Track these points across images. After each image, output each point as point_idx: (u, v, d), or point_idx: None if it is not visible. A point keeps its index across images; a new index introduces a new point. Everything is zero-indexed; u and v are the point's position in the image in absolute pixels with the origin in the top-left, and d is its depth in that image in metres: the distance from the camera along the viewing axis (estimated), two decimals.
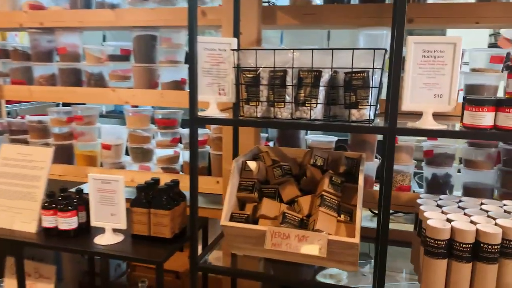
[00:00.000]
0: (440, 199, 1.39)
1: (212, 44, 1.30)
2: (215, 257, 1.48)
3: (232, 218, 1.33)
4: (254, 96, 1.26)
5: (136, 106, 2.18)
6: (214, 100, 1.33)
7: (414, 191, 1.82)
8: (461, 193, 1.71)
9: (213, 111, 1.32)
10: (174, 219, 1.54)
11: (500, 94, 1.63)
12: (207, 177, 1.91)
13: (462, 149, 1.69)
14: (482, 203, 1.36)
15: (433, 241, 1.15)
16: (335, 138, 1.81)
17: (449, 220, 1.19)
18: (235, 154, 1.64)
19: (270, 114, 1.26)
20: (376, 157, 1.75)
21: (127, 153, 2.12)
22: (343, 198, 1.30)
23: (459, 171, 1.70)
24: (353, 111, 1.19)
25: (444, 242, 1.14)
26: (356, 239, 1.17)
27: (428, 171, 1.70)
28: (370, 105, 1.17)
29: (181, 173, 2.04)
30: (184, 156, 2.00)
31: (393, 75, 1.09)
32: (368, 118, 1.20)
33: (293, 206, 1.35)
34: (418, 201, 1.36)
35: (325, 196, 1.27)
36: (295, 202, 1.34)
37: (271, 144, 2.03)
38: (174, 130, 1.98)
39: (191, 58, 1.23)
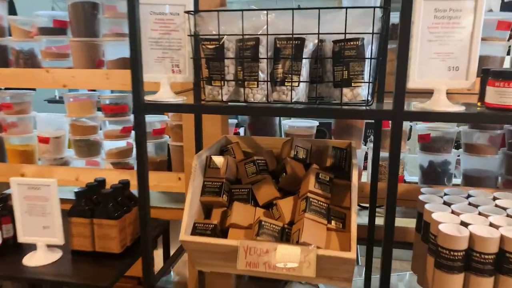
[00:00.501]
0: (445, 194, 1.18)
1: (160, 6, 1.00)
2: (180, 269, 1.22)
3: (195, 230, 1.06)
4: (217, 74, 0.98)
5: (80, 90, 1.85)
6: (166, 80, 1.04)
7: (405, 181, 1.60)
8: (460, 182, 1.51)
9: (165, 94, 1.03)
10: (125, 229, 1.26)
11: (507, 65, 1.42)
12: (167, 173, 1.63)
13: (462, 132, 1.48)
14: (494, 197, 1.15)
15: (447, 252, 0.93)
16: (315, 123, 1.56)
17: (464, 224, 0.97)
18: (199, 145, 1.37)
19: (240, 97, 0.98)
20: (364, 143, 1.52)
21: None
22: (333, 199, 1.06)
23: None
24: (345, 90, 0.93)
25: (461, 253, 0.92)
26: (352, 253, 0.93)
27: (423, 158, 1.49)
28: (369, 82, 0.92)
29: None
30: None
31: (401, 40, 0.83)
32: (364, 99, 0.94)
33: (271, 211, 1.09)
34: (421, 197, 1.13)
35: (311, 199, 1.02)
36: (274, 206, 1.09)
37: (241, 131, 1.76)
38: (124, 118, 1.67)
39: (131, 25, 0.93)
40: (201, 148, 1.37)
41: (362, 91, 0.93)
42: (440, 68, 0.90)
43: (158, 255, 1.47)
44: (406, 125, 1.49)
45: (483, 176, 1.43)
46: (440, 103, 0.90)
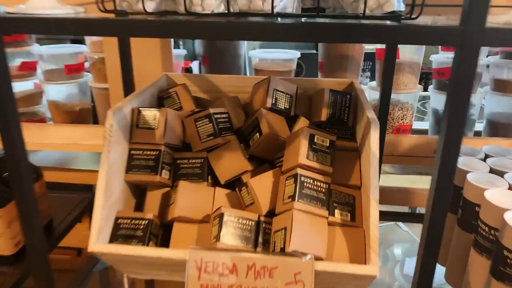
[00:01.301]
0: (486, 156, 0.83)
1: None
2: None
3: (116, 232, 0.67)
4: None
5: None
6: None
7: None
8: (482, 130, 1.18)
9: (43, 3, 0.57)
10: (16, 220, 0.85)
11: None
12: (91, 127, 1.19)
13: (491, 65, 1.12)
14: None
15: None
16: (297, 54, 1.15)
17: None
18: (128, 88, 0.94)
19: (178, 5, 0.55)
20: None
21: None
22: (335, 174, 0.68)
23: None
24: None
25: None
26: (373, 267, 0.58)
27: (439, 100, 1.13)
28: None
29: (51, 122, 1.29)
30: (49, 92, 1.22)
31: None
32: (396, 9, 0.54)
33: (240, 195, 0.71)
34: (470, 178, 0.76)
35: (302, 178, 0.64)
36: (243, 187, 0.70)
37: (195, 66, 1.32)
38: (21, 49, 1.18)
39: None
40: (132, 90, 0.93)
41: None
42: None
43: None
44: (418, 55, 1.10)
45: None
46: None
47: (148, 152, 0.72)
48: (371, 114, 0.66)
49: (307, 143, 0.66)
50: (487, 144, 1.07)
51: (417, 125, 1.24)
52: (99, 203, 0.64)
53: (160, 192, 0.74)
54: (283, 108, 0.78)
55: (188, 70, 1.34)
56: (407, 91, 1.08)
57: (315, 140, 0.67)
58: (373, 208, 0.60)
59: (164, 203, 0.73)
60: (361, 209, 0.67)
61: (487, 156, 0.84)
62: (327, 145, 0.68)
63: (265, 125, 0.74)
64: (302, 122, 0.78)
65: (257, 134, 0.75)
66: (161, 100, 0.86)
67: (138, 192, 0.77)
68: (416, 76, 1.10)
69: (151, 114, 0.72)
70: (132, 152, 0.72)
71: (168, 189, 0.74)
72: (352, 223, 0.66)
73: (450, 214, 0.79)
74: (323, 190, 0.65)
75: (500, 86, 1.10)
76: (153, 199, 0.73)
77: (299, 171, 0.64)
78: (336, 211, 0.66)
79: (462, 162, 0.79)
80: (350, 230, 0.65)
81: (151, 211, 0.72)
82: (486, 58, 1.09)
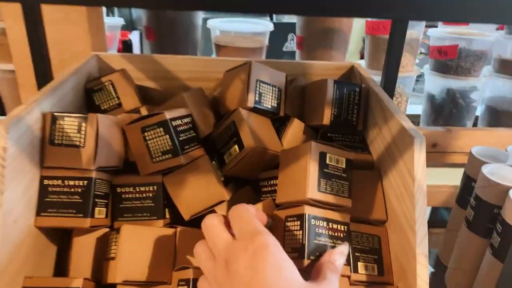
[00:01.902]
0: None
1: None
2: None
3: None
4: None
5: None
6: None
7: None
8: (480, 117, 1.03)
9: None
10: None
11: None
12: None
13: (494, 43, 0.96)
14: None
15: None
16: (269, 25, 0.92)
17: None
18: (42, 74, 0.67)
19: None
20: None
21: None
22: (355, 208, 0.48)
23: None
24: None
25: None
26: None
27: (437, 83, 0.96)
28: None
29: None
30: None
31: None
32: None
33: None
34: (487, 173, 0.61)
35: (313, 221, 0.43)
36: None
37: (134, 39, 1.04)
38: None
39: None
40: (48, 80, 0.67)
41: None
42: None
43: None
44: (415, 29, 0.92)
45: None
46: None
47: (72, 183, 0.47)
48: (408, 123, 0.46)
49: (317, 165, 0.45)
50: (489, 136, 0.93)
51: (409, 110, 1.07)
52: None
53: (92, 238, 0.50)
54: (269, 107, 0.56)
55: (126, 44, 1.06)
56: (403, 74, 0.90)
57: (327, 160, 0.46)
58: (421, 265, 0.41)
59: (101, 254, 0.49)
60: (389, 255, 0.48)
61: None
62: (344, 166, 0.47)
63: (247, 134, 0.51)
64: (296, 127, 0.57)
65: (236, 146, 0.52)
66: (89, 94, 0.60)
67: (59, 238, 0.52)
68: (414, 56, 0.92)
69: (73, 124, 0.47)
70: (46, 182, 0.47)
71: (105, 230, 0.51)
72: (381, 279, 0.47)
73: (481, 239, 0.63)
74: (341, 235, 0.44)
75: (506, 67, 0.95)
76: (83, 250, 0.49)
77: (307, 210, 0.43)
78: (360, 264, 0.46)
79: (491, 171, 0.62)
80: None
81: (80, 270, 0.49)
82: (494, 33, 0.93)
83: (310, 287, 0.34)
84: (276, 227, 0.45)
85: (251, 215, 0.37)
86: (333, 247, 0.43)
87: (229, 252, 0.35)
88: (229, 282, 0.33)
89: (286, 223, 0.44)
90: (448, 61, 0.92)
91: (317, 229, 0.43)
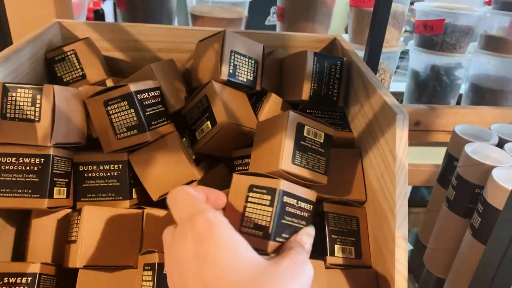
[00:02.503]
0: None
1: None
2: None
3: None
4: None
5: None
6: None
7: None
8: (463, 97, 1.02)
9: None
10: None
11: None
12: None
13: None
14: None
15: None
16: None
17: None
18: (3, 43, 0.62)
19: None
20: None
21: None
22: (327, 185, 0.45)
23: None
24: None
25: None
26: None
27: (421, 60, 0.94)
28: None
29: None
30: None
31: None
32: None
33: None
34: (496, 175, 0.59)
35: (285, 198, 0.40)
36: None
37: (107, 9, 0.98)
38: None
39: None
40: (7, 46, 0.62)
41: None
42: None
43: None
44: (403, 3, 0.89)
45: (505, 90, 0.95)
46: None
47: (27, 160, 0.43)
48: (391, 99, 0.43)
49: (293, 137, 0.42)
50: (473, 114, 0.91)
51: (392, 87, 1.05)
52: None
53: (53, 220, 0.47)
54: (245, 80, 0.52)
55: (97, 14, 1.00)
56: (388, 49, 0.87)
57: (305, 133, 0.43)
58: (400, 249, 0.39)
59: (62, 236, 0.46)
60: (368, 237, 0.46)
61: (501, 140, 0.66)
62: (322, 141, 0.44)
63: (220, 109, 0.48)
64: (274, 102, 0.54)
65: (208, 122, 0.49)
66: (51, 64, 0.56)
67: (17, 220, 0.49)
68: (399, 30, 0.89)
69: (27, 96, 0.43)
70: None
71: (67, 211, 0.48)
72: (358, 262, 0.45)
73: (462, 219, 0.61)
74: (306, 215, 0.41)
75: (491, 44, 0.93)
76: (42, 232, 0.46)
77: (283, 185, 0.40)
78: (337, 247, 0.44)
79: (474, 150, 0.61)
80: (357, 273, 0.44)
81: (39, 253, 0.46)
82: (482, 8, 0.90)
83: (275, 263, 0.30)
84: (235, 194, 0.41)
85: (187, 194, 0.32)
86: (298, 228, 0.40)
87: (173, 242, 0.30)
88: (179, 277, 0.29)
89: (250, 193, 0.40)
90: (434, 36, 0.89)
91: (287, 207, 0.40)
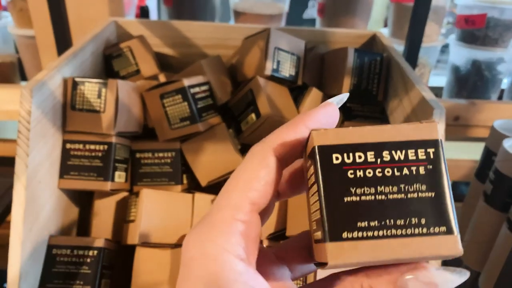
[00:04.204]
0: None
1: None
2: None
3: (50, 269, 0.46)
4: None
5: None
6: None
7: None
8: (506, 92, 1.01)
9: None
10: None
11: None
12: (18, 87, 0.92)
13: None
14: None
15: None
16: None
17: None
18: (62, 38, 0.69)
19: None
20: None
21: None
22: None
23: None
24: None
25: None
26: None
27: (462, 54, 0.94)
28: None
29: None
30: None
31: None
32: None
33: None
34: (508, 147, 0.61)
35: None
36: None
37: (151, 6, 1.04)
38: None
39: None
40: (68, 45, 0.69)
41: None
42: None
43: None
44: None
45: None
46: None
47: (92, 147, 0.49)
48: (428, 94, 0.46)
49: None
50: None
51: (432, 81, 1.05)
52: (17, 237, 0.42)
53: (113, 201, 0.53)
54: (287, 75, 0.56)
55: (143, 10, 1.06)
56: (427, 44, 0.88)
57: None
58: None
59: (121, 216, 0.52)
60: None
61: None
62: None
63: (264, 102, 0.52)
64: (314, 96, 0.57)
65: (253, 114, 0.53)
66: (108, 60, 0.61)
67: (82, 199, 0.55)
68: (439, 25, 0.90)
69: (93, 89, 0.49)
70: (68, 146, 0.49)
71: (125, 194, 0.53)
72: None
73: (499, 213, 0.63)
74: None
75: None
76: (104, 212, 0.52)
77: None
78: None
79: None
80: None
81: (101, 230, 0.51)
82: None
83: None
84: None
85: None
86: None
87: None
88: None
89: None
90: (476, 31, 0.89)
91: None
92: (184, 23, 0.68)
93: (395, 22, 0.92)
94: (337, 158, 0.18)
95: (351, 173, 0.18)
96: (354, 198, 0.18)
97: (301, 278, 0.44)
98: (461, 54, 0.94)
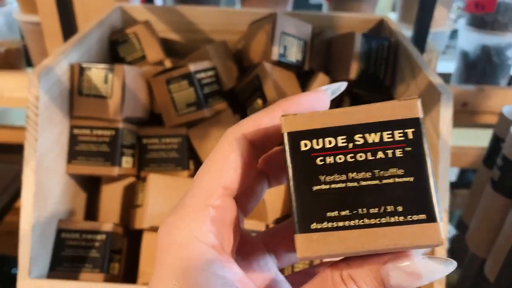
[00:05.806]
0: None
1: None
2: None
3: (59, 252, 0.47)
4: None
5: None
6: None
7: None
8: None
9: None
10: None
11: None
12: (24, 74, 0.92)
13: None
14: None
15: None
16: None
17: None
18: (68, 25, 0.69)
19: None
20: None
21: None
22: None
23: None
24: None
25: None
26: None
27: (472, 40, 0.93)
28: None
29: None
30: None
31: None
32: None
33: None
34: None
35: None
36: None
37: None
38: None
39: None
40: (73, 31, 0.69)
41: None
42: None
43: None
44: None
45: None
46: None
47: (100, 132, 0.50)
48: (436, 79, 0.46)
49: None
50: None
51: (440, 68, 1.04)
52: (27, 221, 0.43)
53: (120, 186, 0.53)
54: (294, 60, 0.56)
55: None
56: (436, 29, 0.88)
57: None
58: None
59: (128, 201, 0.53)
60: None
61: None
62: None
63: (270, 88, 0.52)
64: (321, 81, 0.57)
65: (259, 100, 0.54)
66: (114, 46, 0.62)
67: (89, 184, 0.56)
68: (448, 9, 0.89)
69: (100, 74, 0.49)
70: (76, 132, 0.50)
71: (132, 179, 0.54)
72: None
73: (506, 199, 0.63)
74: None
75: None
76: (111, 197, 0.53)
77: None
78: None
79: None
80: None
81: (109, 215, 0.52)
82: None
83: None
84: None
85: None
86: None
87: None
88: None
89: None
90: (485, 15, 0.88)
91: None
92: (190, 8, 0.68)
93: (403, 6, 0.91)
94: (305, 145, 0.17)
95: (320, 160, 0.17)
96: (323, 187, 0.17)
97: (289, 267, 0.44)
98: (471, 39, 0.93)
